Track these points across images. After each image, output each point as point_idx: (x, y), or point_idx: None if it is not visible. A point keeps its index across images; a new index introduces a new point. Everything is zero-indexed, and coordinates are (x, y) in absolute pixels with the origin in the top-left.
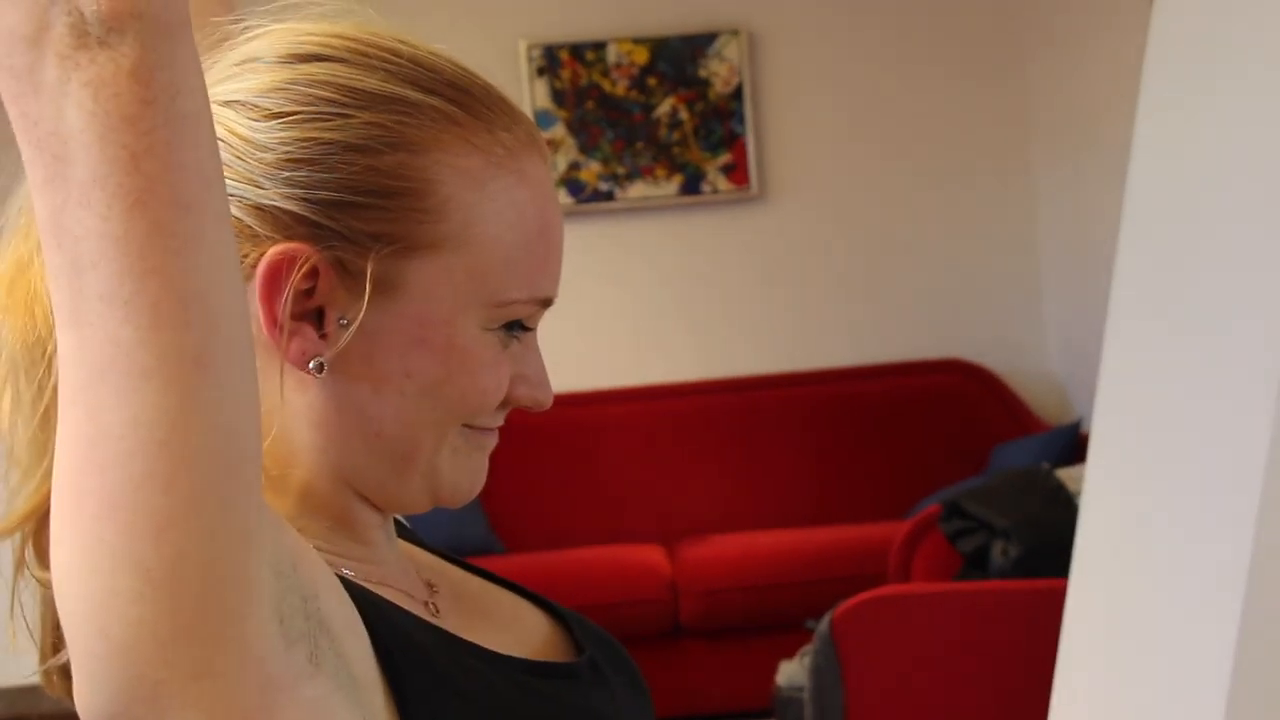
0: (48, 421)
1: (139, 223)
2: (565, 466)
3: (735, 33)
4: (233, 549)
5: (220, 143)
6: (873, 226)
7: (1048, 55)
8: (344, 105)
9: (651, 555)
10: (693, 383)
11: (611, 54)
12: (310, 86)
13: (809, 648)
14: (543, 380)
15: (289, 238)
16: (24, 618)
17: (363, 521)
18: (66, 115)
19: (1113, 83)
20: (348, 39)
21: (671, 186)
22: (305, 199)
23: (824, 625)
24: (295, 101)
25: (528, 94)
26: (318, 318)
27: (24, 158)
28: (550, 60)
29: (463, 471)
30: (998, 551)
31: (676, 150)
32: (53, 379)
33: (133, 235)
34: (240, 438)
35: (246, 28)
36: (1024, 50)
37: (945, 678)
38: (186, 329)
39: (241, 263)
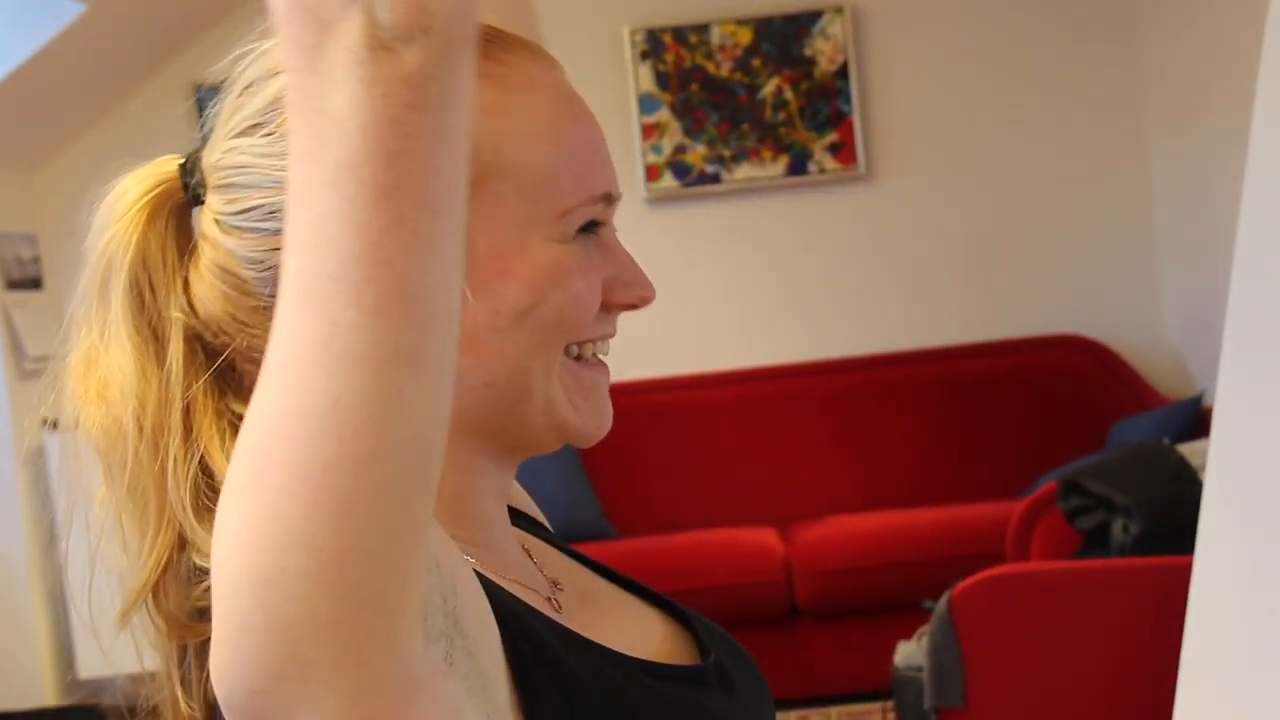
0: (143, 496)
1: (383, 215)
2: (677, 450)
3: (839, 10)
4: (404, 543)
5: (249, 171)
6: (983, 202)
7: (1160, 21)
8: None
9: (765, 537)
10: (804, 364)
11: (715, 36)
12: None
13: (926, 628)
14: (637, 276)
15: None
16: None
17: (477, 493)
18: (337, 100)
19: (1228, 48)
20: None
21: (778, 167)
22: None
23: (942, 605)
24: None
25: (632, 79)
26: None
27: (289, 125)
28: (654, 44)
29: (587, 412)
30: (1118, 529)
31: (782, 131)
32: (138, 453)
33: (375, 224)
34: (432, 437)
35: (239, 58)
36: (1135, 17)
37: (1066, 657)
38: (407, 324)
39: None
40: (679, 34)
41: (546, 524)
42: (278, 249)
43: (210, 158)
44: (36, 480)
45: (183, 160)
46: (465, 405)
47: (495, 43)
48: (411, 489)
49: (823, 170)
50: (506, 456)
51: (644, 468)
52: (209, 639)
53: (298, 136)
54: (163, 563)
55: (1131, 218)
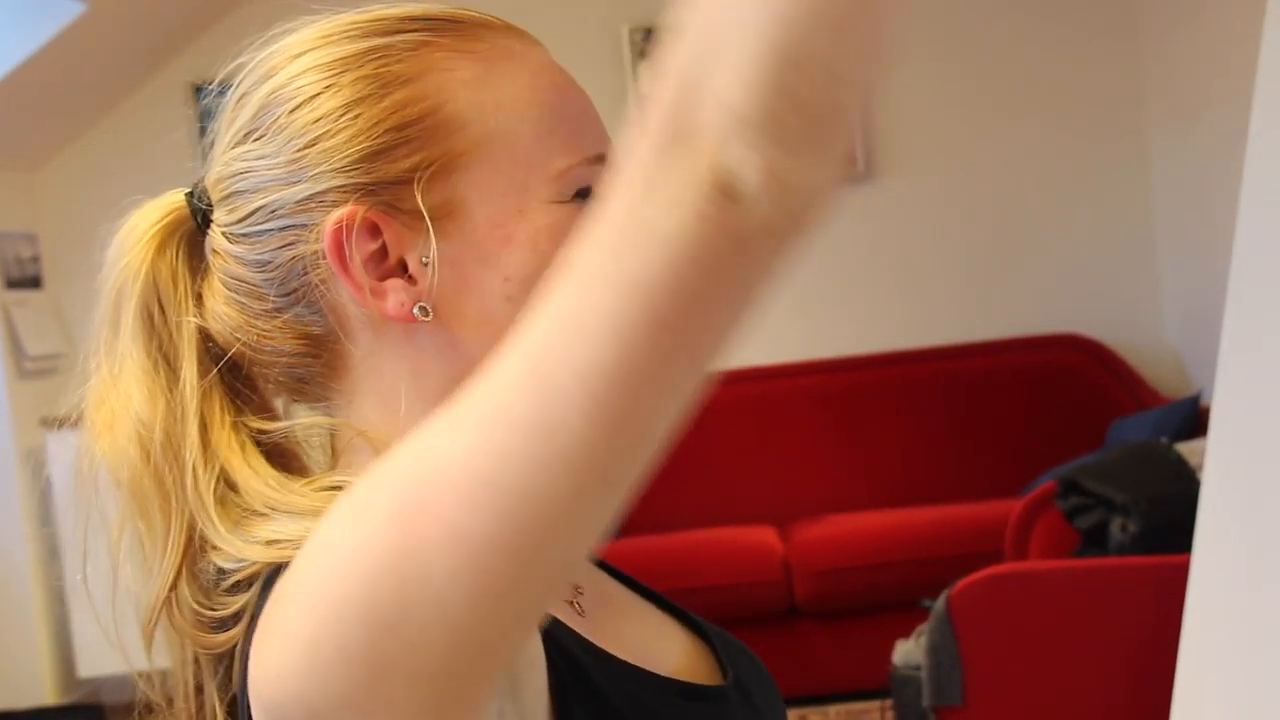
0: (151, 513)
1: (651, 344)
2: (676, 449)
3: None
4: (523, 632)
5: (248, 176)
6: (983, 202)
7: (1160, 21)
8: (326, 79)
9: (764, 536)
10: (804, 363)
11: None
12: (291, 84)
13: (925, 627)
14: None
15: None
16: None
17: None
18: (660, 215)
19: (1228, 47)
20: (310, 33)
21: None
22: (333, 170)
23: (940, 604)
24: (283, 102)
25: (632, 78)
26: (403, 271)
27: (599, 205)
28: (654, 43)
29: None
30: (1117, 527)
31: None
32: (137, 471)
33: (639, 348)
34: (588, 550)
35: (236, 69)
36: (1136, 17)
37: (1065, 655)
38: (624, 453)
39: (319, 259)
40: None
41: None
42: (283, 246)
43: (212, 175)
44: (36, 479)
45: (189, 190)
46: None
47: (471, 22)
48: (552, 590)
49: None
50: None
51: None
52: (225, 651)
53: (606, 226)
54: (173, 576)
55: (1131, 217)
